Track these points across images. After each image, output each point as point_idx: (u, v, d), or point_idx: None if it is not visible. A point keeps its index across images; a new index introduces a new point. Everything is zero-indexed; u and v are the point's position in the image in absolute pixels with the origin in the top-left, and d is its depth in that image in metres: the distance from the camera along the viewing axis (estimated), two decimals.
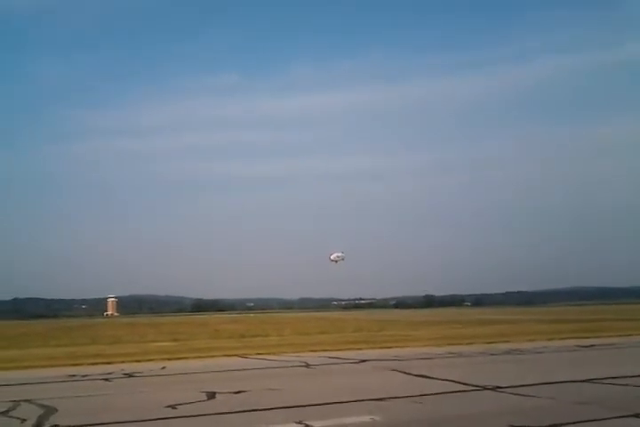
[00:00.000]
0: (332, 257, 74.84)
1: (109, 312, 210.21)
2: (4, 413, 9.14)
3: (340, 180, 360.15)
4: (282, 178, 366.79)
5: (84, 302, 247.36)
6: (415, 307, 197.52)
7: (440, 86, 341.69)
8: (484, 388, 10.21)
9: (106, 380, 13.32)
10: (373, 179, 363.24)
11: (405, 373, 12.81)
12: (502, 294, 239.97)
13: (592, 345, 19.36)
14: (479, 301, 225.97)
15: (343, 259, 74.70)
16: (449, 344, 21.29)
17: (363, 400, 9.22)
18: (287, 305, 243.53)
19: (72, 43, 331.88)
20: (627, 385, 10.30)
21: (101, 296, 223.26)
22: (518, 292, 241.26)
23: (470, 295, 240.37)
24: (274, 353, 19.26)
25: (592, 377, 11.03)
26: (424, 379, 11.74)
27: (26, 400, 10.19)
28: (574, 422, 7.33)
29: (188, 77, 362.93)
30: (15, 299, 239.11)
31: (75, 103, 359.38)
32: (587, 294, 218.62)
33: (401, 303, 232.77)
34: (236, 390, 10.66)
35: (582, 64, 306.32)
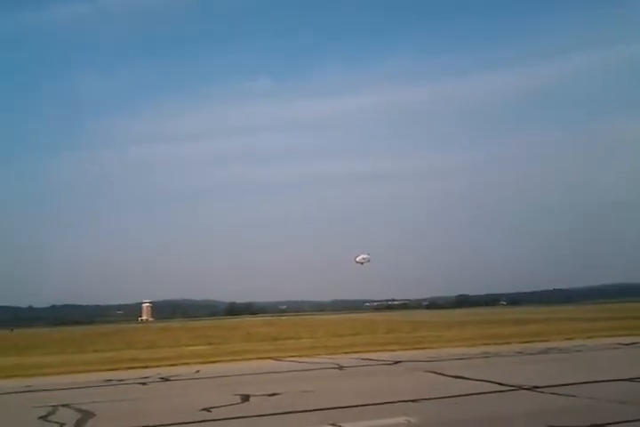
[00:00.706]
0: (357, 259, 74.38)
1: (144, 317, 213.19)
2: (44, 417, 9.31)
3: (367, 180, 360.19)
4: (306, 180, 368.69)
5: (119, 307, 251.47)
6: (448, 307, 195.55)
7: (456, 87, 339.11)
8: (521, 388, 10.01)
9: (142, 384, 13.48)
10: (401, 179, 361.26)
11: (440, 374, 12.64)
12: (539, 292, 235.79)
13: (633, 343, 18.84)
14: (515, 300, 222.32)
15: (369, 261, 74.15)
16: (484, 344, 20.97)
17: (397, 402, 9.12)
18: (319, 307, 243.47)
19: (107, 52, 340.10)
20: None
21: (136, 302, 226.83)
22: (555, 290, 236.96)
23: (506, 294, 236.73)
24: (307, 355, 19.23)
25: (633, 376, 10.71)
26: (459, 380, 11.56)
27: (64, 405, 10.37)
28: (614, 423, 7.13)
29: (221, 83, 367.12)
30: (52, 306, 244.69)
31: (101, 110, 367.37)
32: (627, 290, 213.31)
33: (434, 304, 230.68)
34: (270, 392, 10.65)
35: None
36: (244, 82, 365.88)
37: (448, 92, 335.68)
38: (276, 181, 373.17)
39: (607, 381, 10.50)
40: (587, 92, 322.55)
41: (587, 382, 10.35)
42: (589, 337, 22.25)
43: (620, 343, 18.90)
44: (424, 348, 20.68)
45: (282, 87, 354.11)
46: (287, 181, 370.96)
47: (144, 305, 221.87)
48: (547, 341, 21.56)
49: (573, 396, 9.04)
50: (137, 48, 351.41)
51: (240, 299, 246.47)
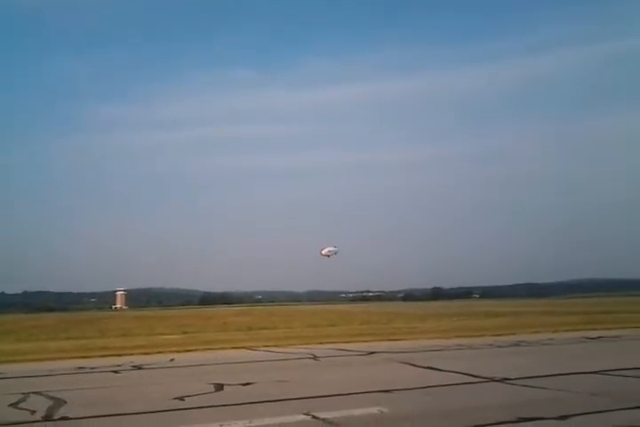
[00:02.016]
0: (323, 252, 73.06)
1: (118, 305, 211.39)
2: (14, 404, 9.20)
3: (348, 172, 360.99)
4: (290, 172, 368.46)
5: (92, 295, 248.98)
6: (423, 299, 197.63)
7: (448, 79, 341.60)
8: (493, 380, 10.18)
9: (115, 372, 13.39)
10: (382, 172, 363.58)
11: (413, 365, 12.79)
12: (511, 286, 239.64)
13: (600, 337, 19.27)
14: (487, 293, 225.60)
15: (336, 253, 73.06)
16: (457, 336, 21.25)
17: (371, 392, 9.20)
18: (295, 298, 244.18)
19: (90, 38, 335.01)
20: (637, 377, 10.26)
21: (110, 289, 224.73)
22: (527, 284, 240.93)
23: (478, 287, 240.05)
24: (281, 345, 19.29)
25: (601, 369, 10.97)
26: (432, 371, 11.72)
27: (35, 392, 10.25)
28: (583, 414, 7.29)
29: (203, 72, 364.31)
30: (25, 292, 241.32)
31: (90, 97, 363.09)
32: (596, 285, 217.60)
33: (409, 296, 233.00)
34: (244, 382, 10.68)
35: (587, 57, 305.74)
36: (228, 71, 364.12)
37: (435, 85, 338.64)
38: (258, 170, 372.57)
39: (576, 373, 10.73)
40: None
41: (556, 375, 10.56)
42: (558, 331, 22.70)
43: (587, 337, 19.31)
44: (398, 339, 20.88)
45: (266, 78, 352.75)
46: (268, 171, 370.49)
47: (118, 293, 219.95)
48: (517, 334, 21.93)
49: (544, 388, 9.23)
50: (124, 36, 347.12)
51: (215, 288, 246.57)
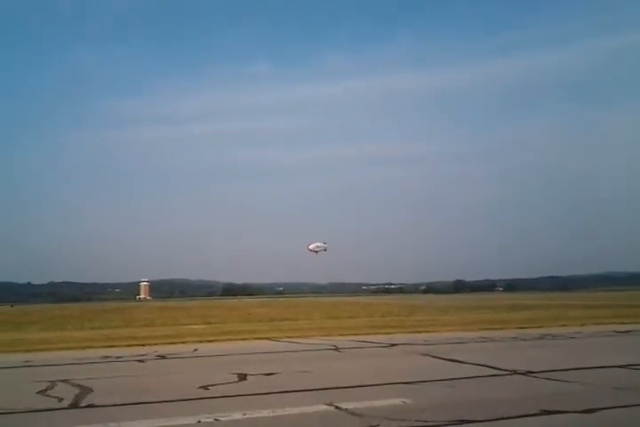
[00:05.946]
0: (310, 247, 71.88)
1: (142, 296, 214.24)
2: (42, 392, 9.38)
3: (367, 165, 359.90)
4: (308, 164, 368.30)
5: (117, 285, 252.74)
6: (445, 292, 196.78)
7: (465, 72, 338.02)
8: (516, 372, 10.09)
9: (140, 361, 13.58)
10: (402, 164, 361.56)
11: (436, 357, 12.74)
12: (535, 279, 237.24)
13: (628, 331, 18.97)
14: (511, 286, 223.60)
15: (325, 249, 72.09)
16: (480, 329, 21.10)
17: (393, 384, 9.20)
18: (317, 290, 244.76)
19: (108, 33, 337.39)
20: None
21: (134, 280, 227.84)
22: (551, 277, 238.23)
23: (502, 280, 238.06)
24: (304, 336, 19.36)
25: (628, 363, 10.80)
26: (455, 363, 11.66)
27: (62, 380, 10.44)
28: (609, 408, 7.19)
29: (220, 67, 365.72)
30: (50, 283, 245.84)
31: (109, 92, 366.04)
32: (620, 279, 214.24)
33: (431, 288, 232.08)
34: (267, 372, 10.74)
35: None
36: (245, 66, 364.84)
37: (448, 79, 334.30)
38: (275, 163, 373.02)
39: (602, 367, 10.58)
40: (585, 81, 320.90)
41: (581, 368, 10.43)
42: (584, 324, 22.39)
43: (615, 331, 19.02)
44: (420, 331, 20.80)
45: (282, 71, 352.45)
46: (286, 164, 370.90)
47: (142, 284, 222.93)
48: (542, 327, 21.69)
49: (568, 381, 9.12)
50: (139, 29, 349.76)
51: (237, 280, 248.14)
